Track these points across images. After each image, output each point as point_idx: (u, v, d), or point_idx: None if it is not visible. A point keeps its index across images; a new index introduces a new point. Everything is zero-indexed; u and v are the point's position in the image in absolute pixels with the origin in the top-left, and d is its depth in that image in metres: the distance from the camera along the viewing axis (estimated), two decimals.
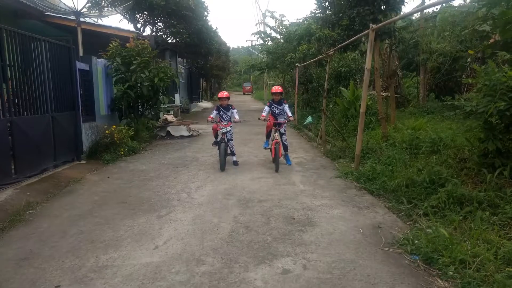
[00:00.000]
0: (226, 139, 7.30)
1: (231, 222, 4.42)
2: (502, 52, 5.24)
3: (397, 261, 3.41)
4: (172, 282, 3.07)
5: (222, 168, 7.07)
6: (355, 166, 6.66)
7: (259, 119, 7.39)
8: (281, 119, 7.47)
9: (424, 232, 3.77)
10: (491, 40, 7.41)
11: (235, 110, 7.48)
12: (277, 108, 7.47)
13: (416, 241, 3.61)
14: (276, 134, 7.35)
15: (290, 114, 7.43)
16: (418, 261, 3.35)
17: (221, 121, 7.44)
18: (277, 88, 7.64)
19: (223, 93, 7.56)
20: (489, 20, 6.55)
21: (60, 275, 3.19)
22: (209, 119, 7.43)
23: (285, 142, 7.51)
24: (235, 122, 7.50)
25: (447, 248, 3.32)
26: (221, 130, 7.33)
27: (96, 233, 4.11)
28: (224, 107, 7.46)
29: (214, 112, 7.49)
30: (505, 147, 4.60)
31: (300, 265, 3.35)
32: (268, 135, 7.83)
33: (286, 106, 7.46)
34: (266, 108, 7.53)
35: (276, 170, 6.99)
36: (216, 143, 7.53)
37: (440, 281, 3.04)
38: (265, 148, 8.03)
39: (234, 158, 7.67)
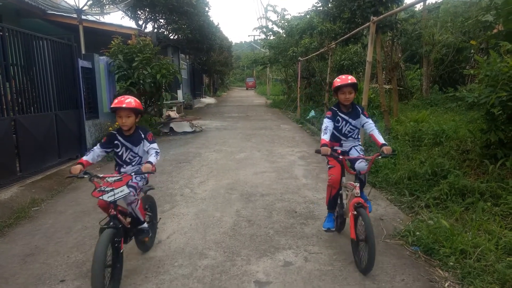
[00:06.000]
0: (118, 219, 3.04)
1: (233, 216, 4.45)
2: (504, 42, 5.19)
3: (398, 252, 3.43)
4: (175, 276, 3.11)
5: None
6: None
7: (316, 152, 3.30)
8: (354, 148, 3.74)
9: (425, 224, 3.78)
10: (494, 30, 7.34)
11: (153, 145, 3.29)
12: (348, 123, 3.68)
13: (418, 233, 3.63)
14: (356, 186, 3.33)
15: (382, 139, 3.50)
16: (419, 252, 3.37)
17: (118, 168, 3.43)
18: (346, 78, 3.56)
19: (122, 100, 3.23)
20: (492, 10, 6.50)
21: (65, 270, 3.25)
22: (74, 172, 2.96)
23: (363, 178, 3.66)
24: (143, 173, 3.07)
25: (448, 239, 3.34)
26: (103, 196, 2.91)
27: None
28: (127, 136, 3.36)
29: (97, 149, 3.30)
30: (507, 138, 4.59)
31: (301, 258, 3.38)
32: (333, 203, 3.76)
33: (370, 124, 3.65)
34: (327, 124, 3.56)
35: (365, 271, 3.05)
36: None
37: (440, 272, 3.05)
38: (326, 229, 3.75)
39: (144, 225, 3.41)
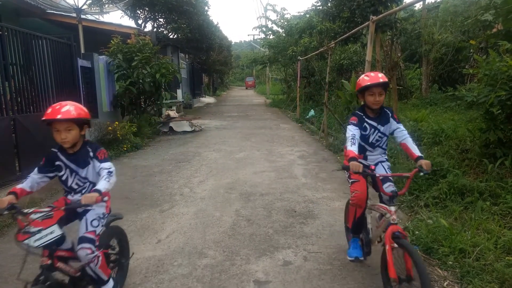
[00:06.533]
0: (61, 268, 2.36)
1: (233, 216, 4.46)
2: (503, 42, 5.19)
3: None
4: (174, 275, 3.12)
5: None
6: None
7: (344, 168, 2.74)
8: (381, 164, 3.10)
9: (424, 223, 3.78)
10: (494, 30, 7.34)
11: (105, 164, 2.46)
12: (376, 130, 3.01)
13: (417, 232, 3.63)
14: (391, 210, 2.68)
15: (417, 151, 2.85)
16: (418, 251, 3.37)
17: (66, 195, 2.62)
18: (376, 76, 2.90)
19: (57, 109, 2.34)
20: (491, 9, 6.50)
21: None
22: (1, 206, 2.14)
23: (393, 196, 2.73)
24: (82, 206, 2.22)
25: (447, 238, 3.34)
26: (28, 240, 2.13)
27: None
28: (71, 155, 2.53)
29: (35, 175, 2.48)
30: (506, 137, 4.60)
31: (301, 257, 3.39)
32: (359, 226, 3.09)
33: (402, 130, 2.99)
34: (354, 131, 2.88)
35: None
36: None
37: (439, 271, 3.06)
38: (353, 258, 3.03)
39: (108, 285, 2.56)
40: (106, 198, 2.36)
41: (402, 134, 2.97)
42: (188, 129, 11.95)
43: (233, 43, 50.98)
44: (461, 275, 2.91)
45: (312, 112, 13.51)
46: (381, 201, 2.91)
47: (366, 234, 3.07)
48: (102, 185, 2.31)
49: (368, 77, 2.91)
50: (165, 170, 6.85)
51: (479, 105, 4.90)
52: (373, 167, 2.78)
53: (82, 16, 11.24)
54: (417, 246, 3.44)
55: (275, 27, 20.24)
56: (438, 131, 6.30)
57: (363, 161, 3.03)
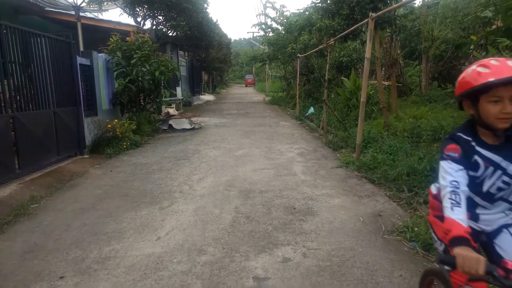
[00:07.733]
0: None
1: (232, 213, 4.46)
2: (503, 39, 5.19)
3: (396, 248, 3.44)
4: (173, 272, 3.12)
5: None
6: (356, 155, 6.67)
7: (442, 261, 1.38)
8: (508, 230, 1.65)
9: (424, 219, 3.78)
10: (494, 26, 7.33)
11: None
12: (500, 169, 1.57)
13: (416, 228, 3.63)
14: None
15: None
16: (417, 248, 3.38)
17: None
18: (504, 65, 1.44)
19: None
20: (491, 6, 6.49)
21: (64, 267, 3.25)
22: None
23: None
24: None
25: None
26: None
27: (99, 226, 4.17)
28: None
29: None
30: None
31: (300, 254, 3.39)
32: None
33: None
34: (457, 176, 1.49)
35: None
36: None
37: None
38: None
39: None
40: None
41: None
42: (188, 126, 11.94)
43: (232, 40, 50.90)
44: None
45: (311, 110, 13.51)
46: None
47: None
48: None
49: (489, 68, 1.51)
50: (165, 168, 6.85)
51: None
52: (509, 262, 1.42)
53: (81, 14, 11.23)
54: (416, 243, 3.45)
55: (274, 25, 20.16)
56: (437, 128, 6.29)
57: (472, 224, 1.69)
